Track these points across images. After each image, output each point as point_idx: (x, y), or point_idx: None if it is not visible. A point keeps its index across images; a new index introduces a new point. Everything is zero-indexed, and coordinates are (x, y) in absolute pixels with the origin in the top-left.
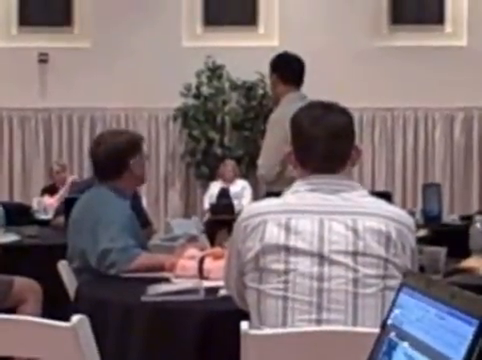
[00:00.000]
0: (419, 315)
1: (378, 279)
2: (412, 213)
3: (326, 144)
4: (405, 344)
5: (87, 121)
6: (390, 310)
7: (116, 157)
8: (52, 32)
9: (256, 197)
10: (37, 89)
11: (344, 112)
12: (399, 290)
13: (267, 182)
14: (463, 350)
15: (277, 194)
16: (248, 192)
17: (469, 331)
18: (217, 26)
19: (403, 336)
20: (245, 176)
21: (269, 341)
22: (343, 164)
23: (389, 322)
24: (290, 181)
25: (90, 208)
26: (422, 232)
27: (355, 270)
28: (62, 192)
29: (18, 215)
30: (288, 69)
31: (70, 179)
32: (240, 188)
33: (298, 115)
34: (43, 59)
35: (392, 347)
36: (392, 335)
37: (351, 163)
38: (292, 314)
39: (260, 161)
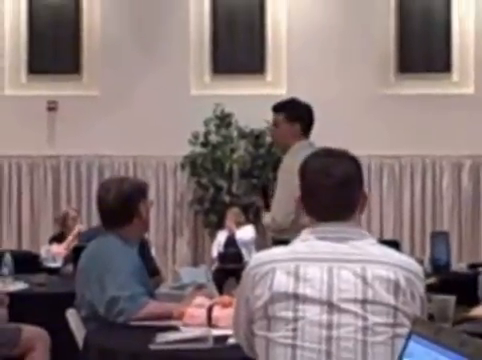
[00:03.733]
0: None
1: (387, 327)
2: (420, 261)
3: (331, 193)
4: None
5: (95, 169)
6: (400, 358)
7: (126, 202)
8: (61, 80)
9: (264, 245)
10: (46, 137)
11: (353, 160)
12: (408, 338)
13: (281, 230)
14: None
15: (285, 242)
16: (252, 235)
17: None
18: (225, 74)
19: None
20: (253, 223)
21: None
22: (352, 212)
23: None
24: (301, 229)
25: (97, 257)
26: (431, 280)
27: (364, 318)
28: (69, 241)
29: (26, 263)
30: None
31: (77, 229)
32: (245, 233)
33: (307, 162)
34: (52, 107)
35: None
36: None
37: (359, 210)
38: None
39: (274, 209)
